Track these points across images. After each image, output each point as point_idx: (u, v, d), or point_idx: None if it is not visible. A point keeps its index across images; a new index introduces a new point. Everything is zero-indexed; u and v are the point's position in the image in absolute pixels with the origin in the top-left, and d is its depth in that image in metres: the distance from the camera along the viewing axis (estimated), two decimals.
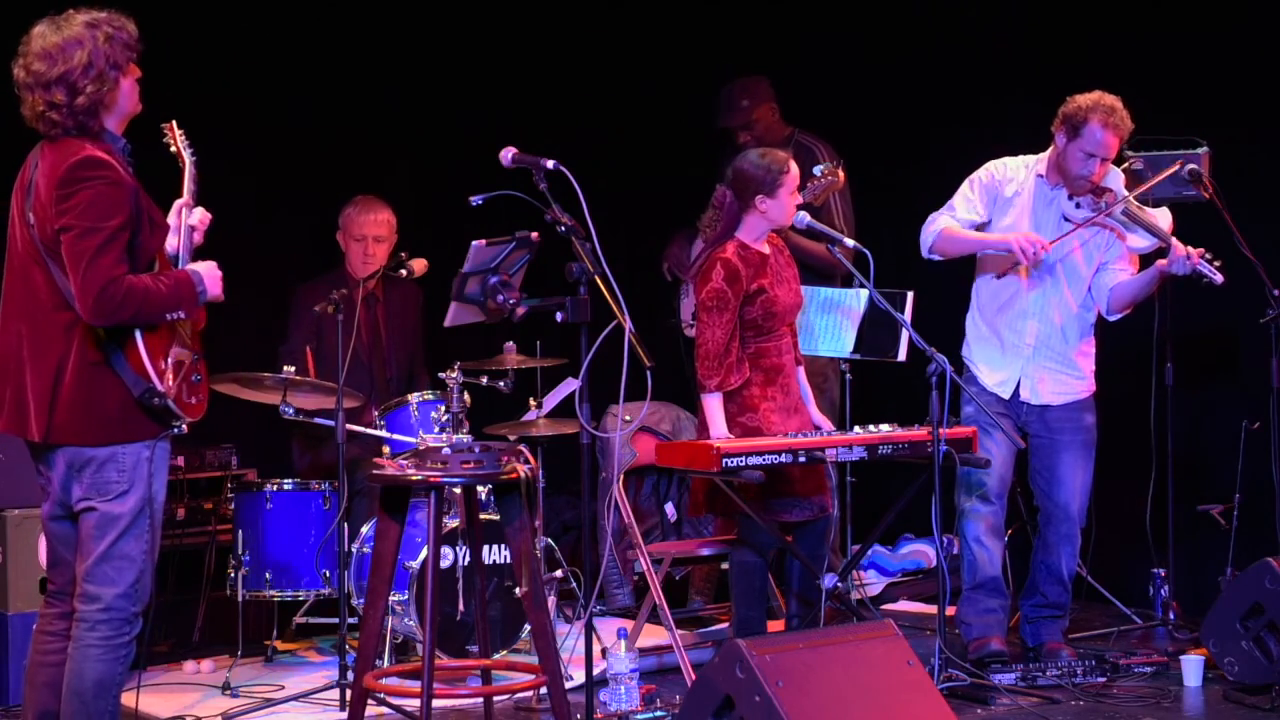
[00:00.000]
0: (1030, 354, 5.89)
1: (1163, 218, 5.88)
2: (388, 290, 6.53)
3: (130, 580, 4.16)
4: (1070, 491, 5.91)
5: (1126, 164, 6.19)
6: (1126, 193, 5.85)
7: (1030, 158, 5.92)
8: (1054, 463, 5.92)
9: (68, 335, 4.11)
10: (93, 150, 4.11)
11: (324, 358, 6.40)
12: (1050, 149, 5.84)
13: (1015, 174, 5.91)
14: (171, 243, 4.32)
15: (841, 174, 6.40)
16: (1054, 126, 5.78)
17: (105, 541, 4.15)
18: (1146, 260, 5.95)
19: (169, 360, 4.17)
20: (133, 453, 4.15)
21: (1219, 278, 5.74)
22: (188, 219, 4.34)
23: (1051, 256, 5.77)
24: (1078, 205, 5.80)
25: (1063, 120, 5.75)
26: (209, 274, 4.27)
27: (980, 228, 5.91)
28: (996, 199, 5.90)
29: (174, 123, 4.38)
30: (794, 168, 5.60)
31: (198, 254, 4.38)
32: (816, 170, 6.39)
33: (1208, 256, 5.74)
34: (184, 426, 4.21)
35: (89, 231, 4.04)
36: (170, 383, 4.15)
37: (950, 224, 5.88)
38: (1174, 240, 5.77)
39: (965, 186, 5.95)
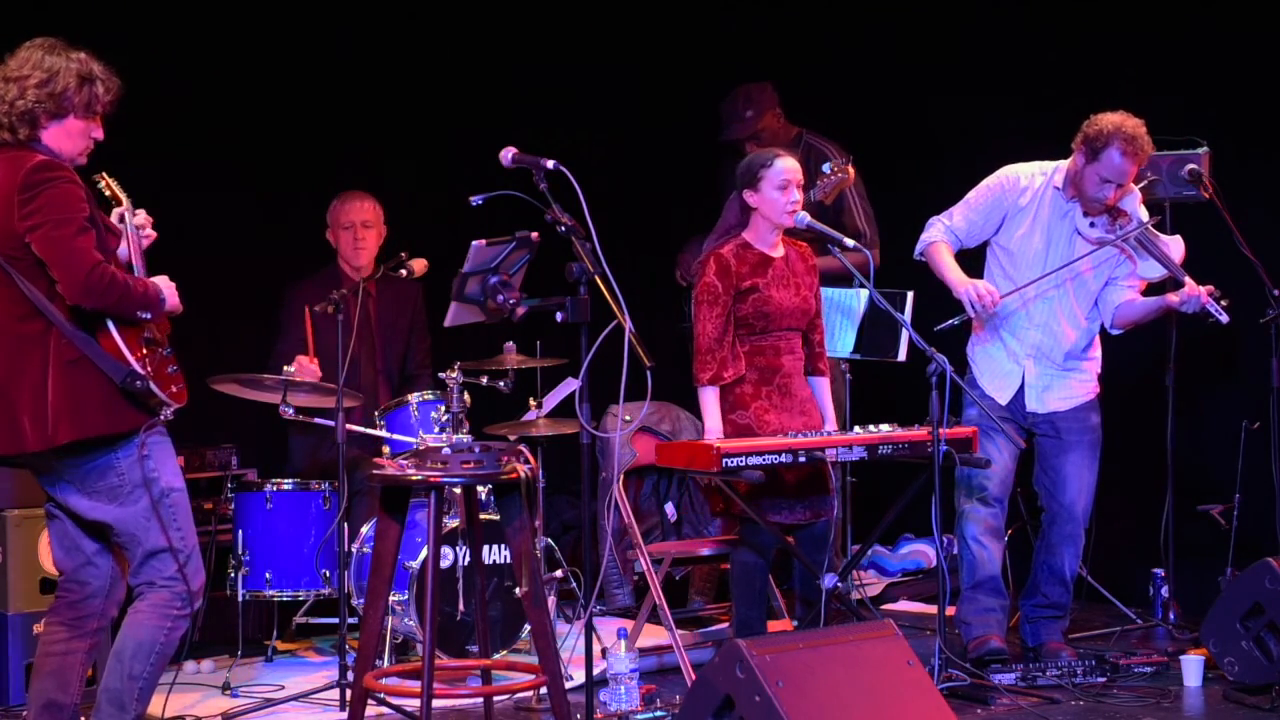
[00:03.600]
0: (1030, 364, 5.88)
1: (1175, 247, 5.84)
2: (381, 289, 6.51)
3: (175, 566, 4.30)
4: (1075, 492, 5.91)
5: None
6: (1144, 218, 5.82)
7: (1048, 165, 5.88)
8: (1060, 463, 5.92)
9: (42, 342, 4.20)
10: (44, 156, 4.23)
11: (323, 358, 6.39)
12: (1069, 160, 5.79)
13: (1031, 183, 5.87)
14: (121, 250, 4.42)
15: (851, 170, 6.38)
16: (1075, 143, 5.72)
17: (139, 546, 4.29)
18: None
19: (143, 347, 4.28)
20: (125, 452, 4.25)
21: (1225, 318, 5.73)
22: (132, 220, 4.44)
23: (1062, 276, 5.78)
24: (1092, 224, 5.78)
25: (1083, 140, 5.70)
26: (167, 286, 4.40)
27: (984, 245, 5.95)
28: (1007, 212, 5.87)
29: (104, 174, 4.47)
30: (782, 163, 5.54)
31: (186, 274, 4.49)
32: (825, 168, 6.38)
33: (1216, 294, 5.73)
34: (169, 413, 4.32)
35: (62, 222, 4.16)
36: (148, 367, 4.25)
37: (939, 240, 5.91)
38: (1187, 278, 5.75)
39: (974, 195, 5.92)
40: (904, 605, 7.24)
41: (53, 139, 4.28)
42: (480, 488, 5.37)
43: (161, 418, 4.30)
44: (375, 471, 4.62)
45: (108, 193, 4.45)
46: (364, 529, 6.01)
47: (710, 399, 5.52)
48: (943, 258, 5.88)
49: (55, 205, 4.16)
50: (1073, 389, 5.92)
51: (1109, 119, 5.67)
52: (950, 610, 5.90)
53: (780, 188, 5.53)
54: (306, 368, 6.23)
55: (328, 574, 6.10)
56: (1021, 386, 5.90)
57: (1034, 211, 5.85)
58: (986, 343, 5.97)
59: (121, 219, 4.43)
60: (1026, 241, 5.85)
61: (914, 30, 7.74)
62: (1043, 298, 5.85)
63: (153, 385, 4.23)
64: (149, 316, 4.31)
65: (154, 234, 4.51)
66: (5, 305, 4.23)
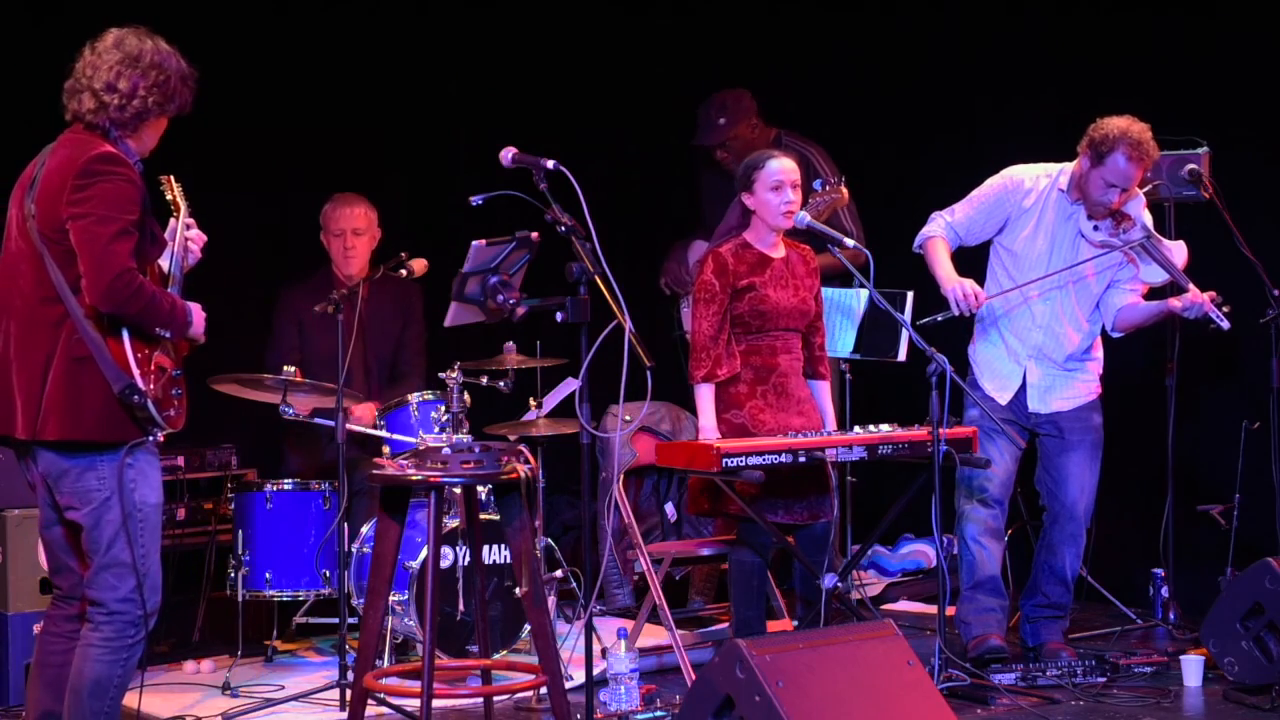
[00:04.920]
0: (1032, 365, 5.88)
1: (1178, 253, 5.84)
2: (375, 290, 6.49)
3: (130, 585, 4.18)
4: (1078, 491, 5.91)
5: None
6: (1148, 224, 5.82)
7: (1053, 167, 5.88)
8: (1062, 463, 5.92)
9: (55, 331, 4.12)
10: (111, 148, 4.16)
11: (308, 360, 6.39)
12: (1075, 163, 5.79)
13: (1035, 185, 5.87)
14: (163, 263, 4.35)
15: (845, 191, 6.36)
16: (1080, 146, 5.72)
17: (100, 551, 4.17)
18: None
19: (152, 363, 4.20)
20: (110, 460, 4.15)
21: (1226, 324, 5.74)
22: (183, 232, 4.37)
23: (1064, 277, 5.79)
24: (1096, 228, 5.77)
25: (1089, 144, 5.69)
26: (197, 313, 4.33)
27: (987, 242, 5.96)
28: (1010, 214, 5.87)
29: (171, 177, 4.42)
30: (775, 164, 5.53)
31: (191, 276, 4.43)
32: (817, 185, 6.37)
33: (1218, 301, 5.74)
34: (160, 435, 4.22)
35: (105, 219, 4.07)
36: (151, 384, 4.16)
37: (937, 236, 5.91)
38: (1190, 285, 5.74)
39: (977, 194, 5.92)
40: (904, 605, 7.24)
41: (143, 139, 4.23)
42: (480, 488, 5.36)
43: (151, 439, 4.20)
44: (375, 471, 4.62)
45: (169, 195, 4.37)
46: (364, 529, 6.01)
47: (705, 397, 5.53)
48: (937, 254, 5.88)
49: (105, 200, 4.07)
50: (1075, 389, 5.92)
51: (1115, 123, 5.66)
52: (950, 610, 5.90)
53: (773, 189, 5.53)
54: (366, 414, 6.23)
55: (328, 574, 6.10)
56: (1023, 387, 5.91)
57: (1038, 214, 5.85)
58: (988, 343, 5.97)
59: (173, 231, 4.34)
60: (1030, 243, 5.85)
61: (913, 30, 7.74)
62: (1045, 299, 5.85)
63: (150, 404, 4.13)
64: (168, 335, 4.22)
65: (199, 254, 4.41)
66: (32, 284, 4.15)
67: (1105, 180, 5.68)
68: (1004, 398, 5.91)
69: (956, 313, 5.76)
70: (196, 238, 4.41)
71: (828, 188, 6.32)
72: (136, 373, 4.13)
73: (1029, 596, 6.05)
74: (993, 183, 5.92)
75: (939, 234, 5.91)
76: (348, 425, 5.73)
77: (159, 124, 4.27)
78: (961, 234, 5.92)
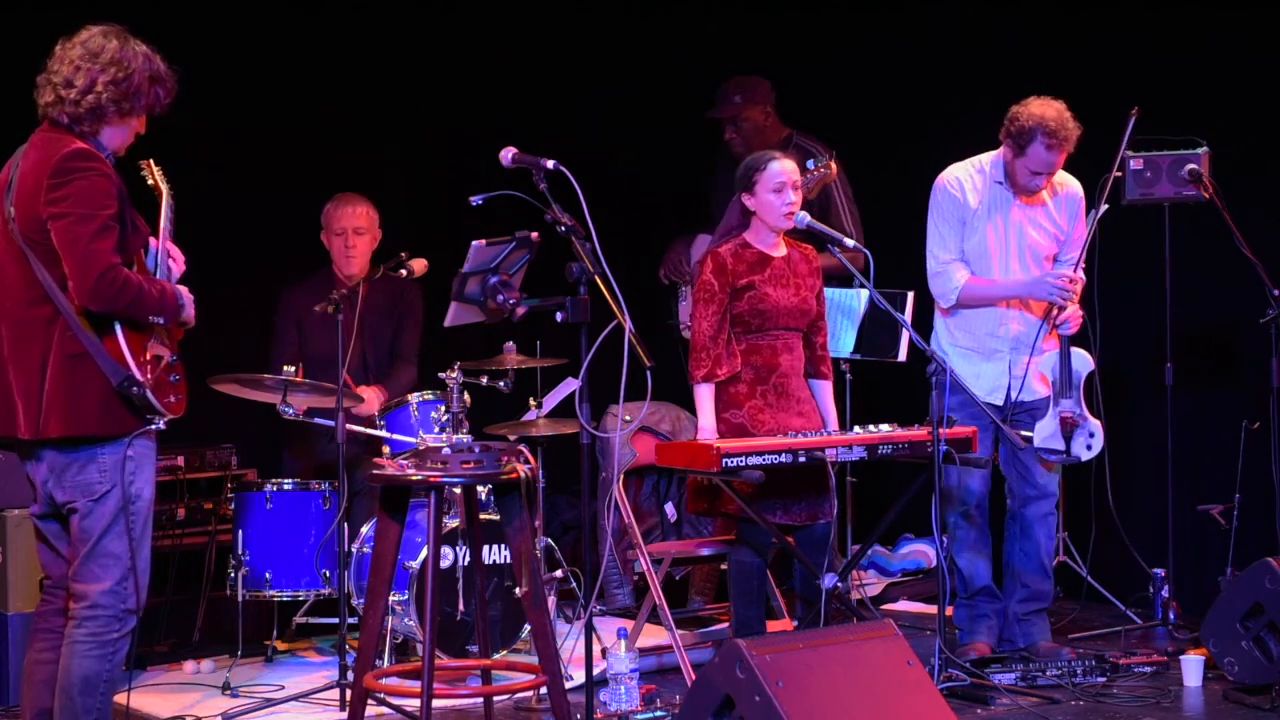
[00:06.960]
0: (1012, 355, 5.89)
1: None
2: (374, 290, 6.47)
3: (116, 577, 4.18)
4: (1050, 470, 5.92)
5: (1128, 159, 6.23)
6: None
7: (985, 159, 5.93)
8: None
9: (48, 330, 4.14)
10: (83, 144, 4.17)
11: (307, 360, 6.39)
12: (1001, 150, 5.87)
13: (972, 182, 5.93)
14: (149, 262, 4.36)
15: (834, 165, 6.39)
16: (1001, 134, 5.81)
17: (90, 540, 4.18)
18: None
19: (147, 354, 4.21)
20: (113, 452, 4.17)
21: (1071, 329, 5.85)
22: (169, 216, 4.38)
23: (1019, 259, 5.86)
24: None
25: (1007, 135, 5.79)
26: (186, 297, 4.34)
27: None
28: (965, 220, 5.92)
29: (150, 161, 4.42)
30: (777, 165, 5.54)
31: (191, 275, 4.45)
32: (810, 164, 6.38)
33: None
34: (162, 423, 4.23)
35: (85, 217, 4.08)
36: (148, 374, 4.18)
37: (967, 277, 5.89)
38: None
39: (938, 219, 5.94)
40: (904, 605, 7.24)
41: (108, 136, 4.22)
42: (480, 488, 5.37)
43: (153, 426, 4.21)
44: (375, 471, 4.62)
45: (150, 181, 4.37)
46: (364, 529, 6.01)
47: (704, 397, 5.53)
48: (983, 285, 5.89)
49: (82, 198, 4.08)
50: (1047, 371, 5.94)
51: (1030, 113, 5.74)
52: (950, 610, 5.90)
53: (775, 190, 5.54)
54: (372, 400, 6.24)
55: (328, 574, 6.10)
56: (1009, 383, 5.91)
57: (982, 211, 5.90)
58: (964, 350, 5.93)
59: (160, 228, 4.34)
60: (983, 244, 5.90)
61: (915, 32, 7.74)
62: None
63: (149, 394, 4.14)
64: (162, 321, 4.24)
65: (178, 275, 4.40)
66: (19, 286, 4.16)
67: (1030, 169, 5.79)
68: (999, 398, 5.91)
69: (1062, 303, 5.75)
70: (178, 259, 4.42)
71: (818, 164, 6.34)
72: (132, 364, 4.15)
73: (1011, 594, 6.03)
74: (940, 202, 5.95)
75: (964, 273, 5.91)
76: (353, 414, 5.72)
77: (126, 122, 4.25)
78: (966, 258, 5.94)
